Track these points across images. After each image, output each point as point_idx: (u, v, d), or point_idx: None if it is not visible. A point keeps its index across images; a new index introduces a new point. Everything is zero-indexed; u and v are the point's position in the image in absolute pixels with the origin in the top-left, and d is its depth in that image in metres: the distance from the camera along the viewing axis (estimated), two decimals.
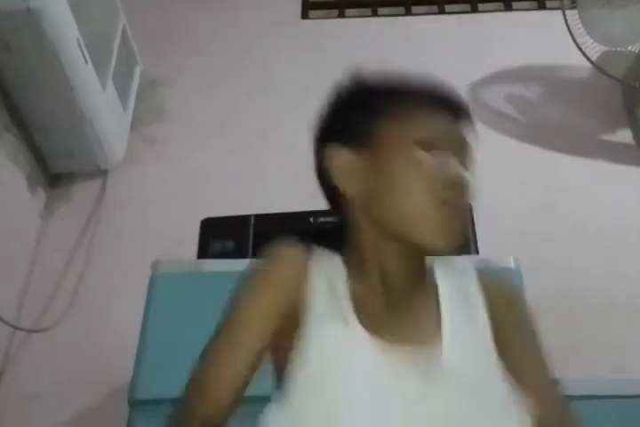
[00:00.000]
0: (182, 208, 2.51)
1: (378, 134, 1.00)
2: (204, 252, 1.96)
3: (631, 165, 2.63)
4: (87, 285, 2.37)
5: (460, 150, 1.01)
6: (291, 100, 2.85)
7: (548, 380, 1.01)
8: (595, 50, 2.67)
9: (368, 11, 3.27)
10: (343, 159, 1.02)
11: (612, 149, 2.71)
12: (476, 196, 1.03)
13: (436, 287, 1.02)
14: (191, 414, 0.98)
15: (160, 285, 1.70)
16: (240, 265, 1.74)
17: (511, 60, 2.95)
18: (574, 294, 2.28)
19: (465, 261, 1.69)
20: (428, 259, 1.04)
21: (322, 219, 1.91)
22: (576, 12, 2.62)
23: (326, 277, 0.99)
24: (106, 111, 2.52)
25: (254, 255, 1.91)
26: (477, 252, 1.91)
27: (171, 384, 1.56)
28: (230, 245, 1.95)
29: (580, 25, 2.62)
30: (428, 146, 0.98)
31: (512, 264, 1.70)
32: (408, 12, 3.25)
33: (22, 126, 2.43)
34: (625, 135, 2.71)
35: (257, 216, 2.01)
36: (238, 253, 1.91)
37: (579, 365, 2.04)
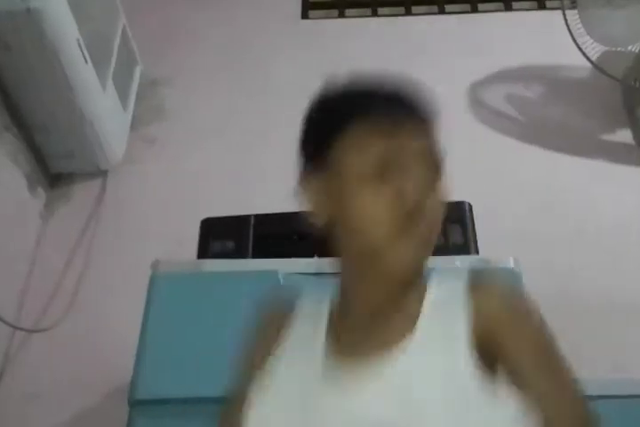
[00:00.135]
0: (182, 208, 2.52)
1: (332, 161, 0.97)
2: (203, 252, 1.96)
3: (631, 165, 2.63)
4: (87, 285, 2.37)
5: (419, 158, 0.96)
6: (291, 100, 2.83)
7: (560, 382, 0.96)
8: (595, 50, 2.67)
9: (368, 11, 3.28)
10: (309, 191, 1.01)
11: (612, 149, 2.71)
12: (444, 209, 0.99)
13: (421, 303, 0.98)
14: None
15: (160, 285, 1.70)
16: (240, 265, 1.76)
17: (511, 60, 2.95)
18: (574, 294, 2.28)
19: (463, 266, 1.70)
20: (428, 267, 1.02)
21: None
22: (576, 12, 2.62)
23: (309, 315, 1.05)
24: (106, 111, 2.52)
25: (254, 255, 1.92)
26: (477, 252, 1.91)
27: (171, 384, 1.57)
28: (230, 245, 1.95)
29: (579, 25, 2.62)
30: (382, 165, 0.95)
31: (512, 264, 1.70)
32: (408, 12, 3.25)
33: (22, 126, 2.43)
34: (625, 135, 2.71)
35: (257, 216, 2.01)
36: (238, 253, 1.91)
37: (579, 365, 2.04)
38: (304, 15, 3.24)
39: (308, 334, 1.03)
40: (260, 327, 1.10)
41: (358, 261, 0.99)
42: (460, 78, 2.89)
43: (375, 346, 0.96)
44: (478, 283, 0.97)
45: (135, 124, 2.79)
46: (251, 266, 1.74)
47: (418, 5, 3.27)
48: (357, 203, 0.95)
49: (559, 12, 2.66)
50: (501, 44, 3.01)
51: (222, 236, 1.98)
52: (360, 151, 0.95)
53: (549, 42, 2.90)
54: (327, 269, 1.66)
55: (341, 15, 3.27)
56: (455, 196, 1.98)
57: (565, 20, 2.62)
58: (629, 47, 2.67)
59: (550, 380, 0.94)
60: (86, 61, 2.35)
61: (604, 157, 2.67)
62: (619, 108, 2.75)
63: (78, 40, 2.31)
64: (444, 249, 1.74)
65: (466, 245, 1.91)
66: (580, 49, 2.65)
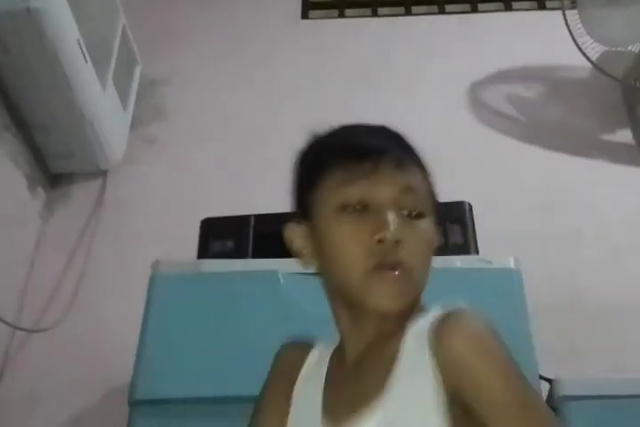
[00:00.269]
0: (182, 208, 2.51)
1: (313, 207, 1.00)
2: (203, 252, 1.96)
3: (631, 165, 2.63)
4: (87, 285, 2.37)
5: (397, 197, 0.96)
6: (291, 100, 2.85)
7: (533, 419, 0.89)
8: (595, 50, 2.66)
9: (368, 11, 3.27)
10: (293, 234, 1.04)
11: (612, 149, 2.71)
12: (432, 236, 0.99)
13: (399, 346, 0.96)
14: None
15: (160, 285, 1.70)
16: (240, 265, 1.76)
17: (511, 60, 2.95)
18: (574, 294, 2.28)
19: (463, 267, 1.69)
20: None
21: None
22: (576, 12, 2.62)
23: (318, 358, 1.06)
24: (106, 111, 2.52)
25: (254, 255, 1.92)
26: (477, 252, 1.91)
27: (171, 384, 1.57)
28: (230, 245, 1.95)
29: (579, 25, 2.62)
30: (357, 208, 0.96)
31: (512, 264, 1.70)
32: (408, 12, 3.25)
33: (22, 127, 2.43)
34: (625, 135, 2.71)
35: (257, 216, 2.01)
36: (238, 253, 1.91)
37: (579, 365, 2.05)
38: (304, 15, 3.24)
39: (313, 374, 1.05)
40: (280, 362, 1.11)
41: (343, 301, 1.00)
42: (460, 78, 2.89)
43: (358, 397, 0.95)
44: (440, 325, 0.92)
45: (135, 124, 2.79)
46: (251, 266, 1.74)
47: (418, 5, 3.26)
48: (333, 243, 0.97)
49: (559, 12, 2.66)
50: (501, 44, 3.00)
51: (222, 236, 1.98)
52: (338, 194, 0.97)
53: (549, 42, 2.89)
54: None
55: (341, 15, 3.27)
56: (455, 196, 1.99)
57: (565, 20, 2.62)
58: (629, 47, 2.67)
59: (522, 418, 0.89)
60: (86, 61, 2.35)
61: (604, 157, 2.67)
62: (619, 108, 2.75)
63: (78, 40, 2.31)
64: (444, 249, 1.74)
65: (466, 245, 1.91)
66: (579, 49, 2.65)
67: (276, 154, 2.70)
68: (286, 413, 1.04)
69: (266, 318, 1.61)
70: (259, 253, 1.90)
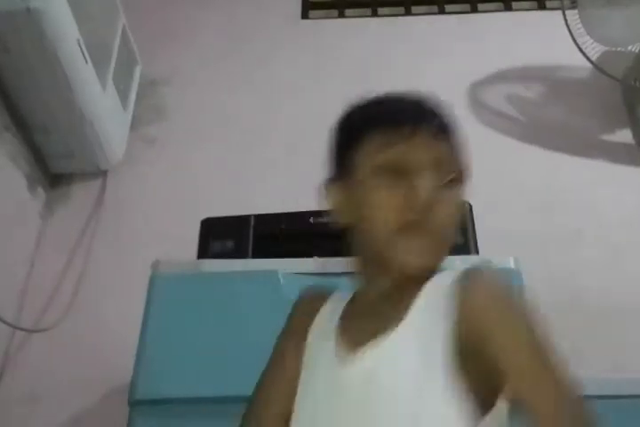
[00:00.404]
0: (182, 208, 2.51)
1: (351, 167, 1.06)
2: (203, 252, 1.96)
3: (631, 165, 2.63)
4: (87, 285, 2.37)
5: (432, 163, 1.01)
6: (291, 100, 2.85)
7: (551, 381, 0.93)
8: (595, 50, 2.66)
9: (368, 11, 3.27)
10: (332, 194, 1.09)
11: (612, 149, 2.71)
12: (461, 204, 1.05)
13: (416, 295, 1.01)
14: None
15: (160, 285, 1.70)
16: (240, 265, 1.76)
17: (511, 60, 2.95)
18: (574, 294, 2.28)
19: (460, 263, 1.69)
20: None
21: (321, 219, 1.91)
22: (576, 12, 2.62)
23: (333, 306, 1.12)
24: (106, 111, 2.52)
25: (254, 255, 1.92)
26: (477, 252, 1.91)
27: (171, 384, 1.57)
28: (230, 245, 1.95)
29: (579, 25, 2.62)
30: (394, 170, 1.01)
31: (512, 264, 1.70)
32: (408, 12, 3.25)
33: (22, 127, 2.43)
34: (625, 135, 2.71)
35: (257, 216, 2.01)
36: (238, 254, 1.91)
37: (579, 365, 2.04)
38: (304, 15, 3.24)
39: (323, 330, 1.09)
40: (300, 305, 1.17)
41: (368, 256, 1.05)
42: (460, 78, 2.89)
43: (369, 332, 1.00)
44: (467, 277, 0.98)
45: (135, 124, 2.79)
46: (251, 266, 1.74)
47: (418, 5, 3.26)
48: (369, 201, 1.02)
49: (559, 12, 2.66)
50: (501, 44, 3.00)
51: (222, 236, 1.98)
52: (376, 156, 1.02)
53: (549, 42, 2.89)
54: (327, 270, 1.67)
55: (341, 15, 3.27)
56: None
57: (565, 20, 2.62)
58: (629, 47, 2.67)
59: (539, 379, 0.93)
60: (86, 61, 2.35)
61: (604, 157, 2.67)
62: (619, 108, 2.75)
63: (78, 40, 2.31)
64: None
65: (466, 245, 1.91)
66: (579, 49, 2.65)
67: (276, 154, 2.72)
68: (301, 355, 1.09)
69: (266, 319, 1.61)
70: (259, 253, 1.90)
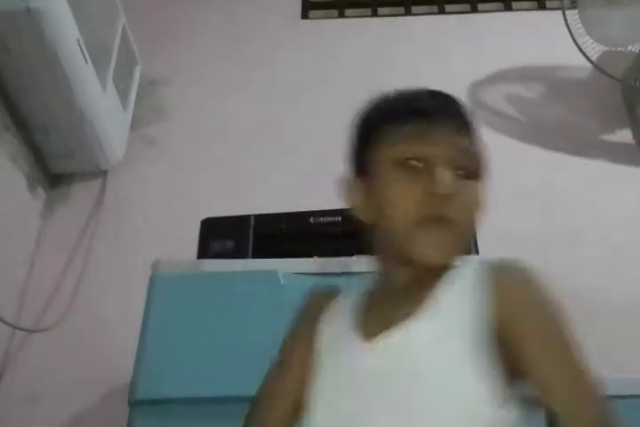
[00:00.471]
0: (182, 208, 2.51)
1: (371, 162, 1.06)
2: (203, 252, 1.96)
3: (631, 165, 2.63)
4: (87, 285, 2.37)
5: (452, 157, 1.02)
6: (291, 100, 2.85)
7: (574, 374, 0.98)
8: (595, 50, 2.66)
9: (368, 11, 3.27)
10: (352, 191, 1.10)
11: (612, 149, 2.71)
12: (481, 199, 1.05)
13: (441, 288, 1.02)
14: None
15: (160, 285, 1.70)
16: (240, 265, 1.76)
17: (511, 60, 2.95)
18: (574, 294, 2.27)
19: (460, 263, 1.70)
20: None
21: (321, 219, 1.91)
22: (576, 12, 2.62)
23: (345, 301, 1.12)
24: (106, 111, 2.52)
25: (254, 255, 1.92)
26: (477, 252, 1.91)
27: (171, 384, 1.57)
28: (230, 245, 1.95)
29: (579, 25, 2.62)
30: (413, 164, 1.02)
31: None
32: (408, 12, 3.25)
33: (22, 127, 2.43)
34: (625, 135, 2.71)
35: (257, 216, 2.01)
36: (238, 254, 1.91)
37: None
38: (304, 15, 3.24)
39: (343, 308, 1.10)
40: (310, 302, 1.17)
41: (388, 252, 1.06)
42: (460, 78, 2.88)
43: (392, 319, 1.00)
44: (503, 267, 1.01)
45: (135, 124, 2.79)
46: (251, 266, 1.74)
47: (418, 5, 3.26)
48: (389, 195, 1.02)
49: (559, 12, 2.66)
50: (501, 44, 3.00)
51: (222, 236, 1.98)
52: (396, 149, 1.03)
53: (549, 42, 2.89)
54: (327, 270, 1.66)
55: (341, 15, 3.27)
56: None
57: (565, 20, 2.62)
58: (629, 47, 2.67)
59: (564, 371, 0.98)
60: (86, 61, 2.35)
61: (604, 157, 2.66)
62: (619, 108, 2.75)
63: (78, 40, 2.31)
64: None
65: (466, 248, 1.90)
66: (580, 49, 2.64)
67: (276, 154, 2.72)
68: (311, 352, 1.08)
69: (266, 319, 1.61)
70: (259, 253, 1.90)
